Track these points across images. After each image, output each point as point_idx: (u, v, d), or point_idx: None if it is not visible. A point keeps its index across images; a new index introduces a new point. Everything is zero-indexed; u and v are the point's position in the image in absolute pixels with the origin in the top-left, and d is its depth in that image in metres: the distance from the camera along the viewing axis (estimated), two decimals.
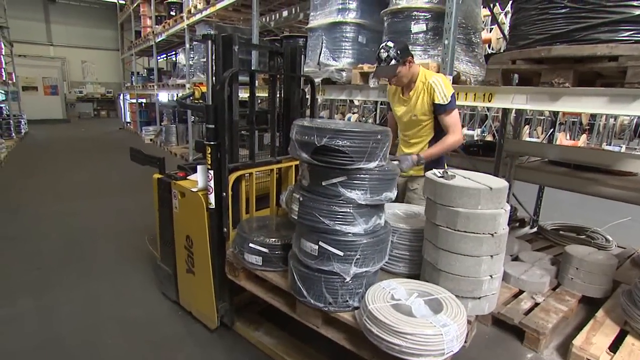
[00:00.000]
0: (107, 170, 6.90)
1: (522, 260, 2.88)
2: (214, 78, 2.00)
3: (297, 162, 2.36)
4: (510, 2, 2.45)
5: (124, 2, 13.10)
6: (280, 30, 6.55)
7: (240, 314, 2.28)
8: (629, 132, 8.99)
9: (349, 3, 3.29)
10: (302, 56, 2.37)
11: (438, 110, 2.21)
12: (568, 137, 8.18)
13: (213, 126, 1.93)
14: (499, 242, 1.40)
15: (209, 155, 1.94)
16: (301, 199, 1.50)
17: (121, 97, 14.70)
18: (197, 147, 2.71)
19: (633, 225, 4.13)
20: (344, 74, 3.24)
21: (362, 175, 1.41)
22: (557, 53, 1.94)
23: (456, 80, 2.60)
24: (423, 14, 2.77)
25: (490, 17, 6.65)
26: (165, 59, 13.32)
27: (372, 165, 1.41)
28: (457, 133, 2.22)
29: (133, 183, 5.82)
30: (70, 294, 2.71)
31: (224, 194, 1.97)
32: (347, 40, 3.31)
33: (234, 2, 5.15)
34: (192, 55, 6.87)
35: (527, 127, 7.88)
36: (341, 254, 1.40)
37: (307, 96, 2.54)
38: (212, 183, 1.97)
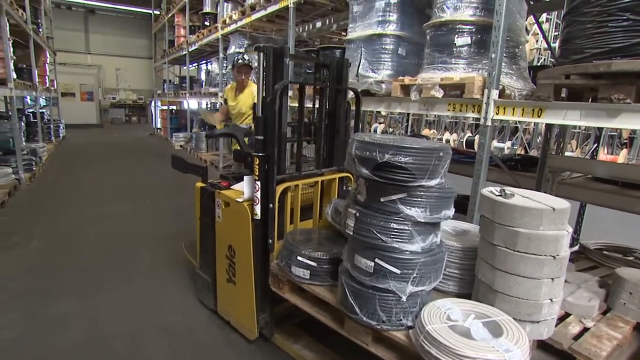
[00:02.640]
0: (141, 174, 7.11)
1: (567, 281, 2.75)
2: (264, 89, 2.01)
3: (341, 175, 2.36)
4: (553, 12, 2.38)
5: (159, 13, 13.57)
6: (312, 41, 6.61)
7: (279, 326, 2.28)
8: None
9: (389, 15, 3.29)
10: (348, 69, 2.39)
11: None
12: (606, 151, 7.88)
13: (262, 137, 1.94)
14: (561, 264, 1.35)
15: (257, 167, 1.95)
16: (357, 214, 1.48)
17: (152, 103, 15.16)
18: (235, 157, 2.73)
19: None
20: (383, 85, 3.23)
21: (422, 193, 1.39)
22: (618, 68, 1.86)
23: (501, 94, 2.55)
24: (468, 27, 2.74)
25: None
26: (196, 67, 13.68)
27: (433, 182, 1.38)
28: None
29: (166, 188, 5.96)
30: (110, 296, 2.78)
31: (271, 205, 1.97)
32: (386, 52, 3.30)
33: (268, 14, 5.25)
34: (225, 65, 7.02)
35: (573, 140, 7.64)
36: (398, 271, 1.38)
37: (352, 108, 2.55)
38: (258, 194, 1.98)
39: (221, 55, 7.11)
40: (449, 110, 2.70)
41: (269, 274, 2.07)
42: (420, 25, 3.03)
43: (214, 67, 8.70)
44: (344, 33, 4.93)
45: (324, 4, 4.92)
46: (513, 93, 2.69)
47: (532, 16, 5.07)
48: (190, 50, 9.08)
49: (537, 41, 7.11)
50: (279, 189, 2.00)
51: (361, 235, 1.47)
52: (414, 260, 1.39)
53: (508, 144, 7.72)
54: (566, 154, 7.06)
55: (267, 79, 1.99)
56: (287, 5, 4.58)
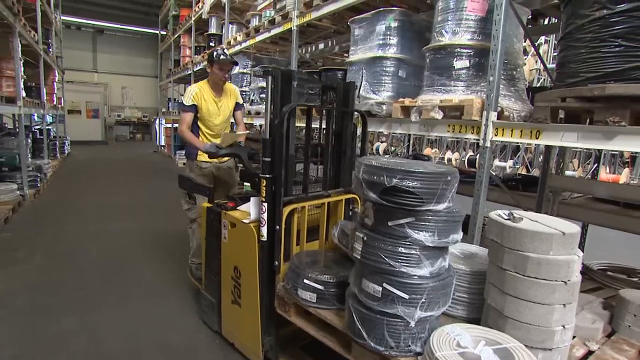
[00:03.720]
0: (144, 192, 7.15)
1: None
2: (271, 112, 2.06)
3: (347, 196, 2.38)
4: (552, 35, 2.44)
5: (165, 34, 13.87)
6: (315, 62, 6.73)
7: (284, 349, 2.25)
8: None
9: (389, 38, 3.38)
10: (355, 91, 2.47)
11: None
12: (608, 170, 7.90)
13: (269, 159, 1.97)
14: (572, 290, 1.35)
15: (264, 188, 1.98)
16: (365, 238, 1.48)
17: (157, 121, 15.32)
18: (242, 177, 2.76)
19: None
20: (384, 107, 3.28)
21: (430, 217, 1.39)
22: (612, 92, 1.90)
23: (500, 116, 2.59)
24: (466, 50, 2.80)
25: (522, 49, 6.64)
26: None
27: (441, 206, 1.39)
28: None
29: (169, 206, 5.98)
30: (111, 315, 2.78)
31: (277, 227, 1.98)
32: (387, 74, 3.37)
33: (272, 36, 5.37)
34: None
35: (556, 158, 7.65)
36: (406, 296, 1.38)
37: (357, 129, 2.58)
38: (265, 215, 1.99)
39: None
40: (448, 131, 2.74)
41: (274, 296, 2.06)
42: (420, 49, 3.10)
43: None
44: (346, 54, 5.03)
45: (327, 27, 5.04)
46: (512, 115, 2.74)
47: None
48: (195, 69, 9.23)
49: (536, 61, 7.22)
50: (286, 210, 2.01)
51: (369, 259, 1.47)
52: (423, 285, 1.38)
53: (510, 162, 7.73)
54: (567, 173, 7.09)
55: (275, 101, 2.03)
56: (291, 28, 4.70)
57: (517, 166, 7.20)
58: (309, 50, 6.45)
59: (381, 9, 3.44)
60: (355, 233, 1.56)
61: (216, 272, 2.44)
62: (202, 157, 3.13)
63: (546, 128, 2.24)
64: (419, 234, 1.38)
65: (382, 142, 11.09)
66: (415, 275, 1.40)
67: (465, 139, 2.88)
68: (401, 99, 3.16)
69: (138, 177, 8.69)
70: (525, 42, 4.27)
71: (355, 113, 2.50)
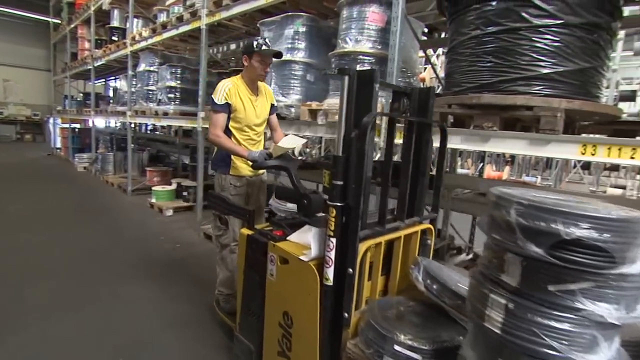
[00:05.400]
0: (46, 199, 6.30)
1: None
2: (344, 123, 1.61)
3: (422, 227, 2.01)
4: (446, 48, 2.72)
5: (59, 22, 12.43)
6: (227, 62, 6.61)
7: None
8: (542, 164, 10.14)
9: (297, 43, 3.47)
10: (434, 99, 2.07)
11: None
12: (494, 168, 8.99)
13: (341, 183, 1.55)
14: None
15: (333, 219, 1.56)
16: (511, 306, 1.07)
17: (50, 120, 13.68)
18: (280, 195, 2.35)
19: None
20: (292, 109, 3.36)
21: (616, 282, 0.98)
22: (485, 101, 2.19)
23: (399, 120, 2.81)
24: (367, 57, 2.99)
25: (424, 58, 7.28)
26: (103, 83, 12.70)
27: (636, 268, 0.98)
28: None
29: (78, 213, 5.43)
30: (25, 343, 2.42)
31: (350, 270, 1.55)
32: (296, 77, 3.46)
33: (180, 33, 5.16)
34: (134, 82, 6.68)
35: (459, 159, 8.56)
36: None
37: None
38: (332, 254, 1.57)
39: (130, 72, 6.75)
40: None
41: (339, 354, 1.64)
42: (327, 54, 3.24)
43: (122, 84, 8.20)
44: None
45: (238, 27, 4.99)
46: None
47: (431, 49, 5.69)
48: (95, 65, 8.45)
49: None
50: (362, 247, 1.58)
51: (517, 337, 1.05)
52: None
53: None
54: (461, 171, 7.93)
55: (350, 109, 1.61)
56: (200, 26, 4.56)
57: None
58: (221, 50, 6.32)
59: (290, 13, 3.51)
60: (491, 296, 1.14)
61: (257, 315, 1.99)
62: (238, 170, 2.63)
63: (435, 132, 2.49)
64: (598, 306, 0.98)
65: None
66: None
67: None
68: (309, 102, 3.27)
69: (34, 184, 7.62)
70: (424, 52, 4.69)
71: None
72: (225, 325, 2.59)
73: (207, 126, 4.68)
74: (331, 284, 1.58)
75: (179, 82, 5.60)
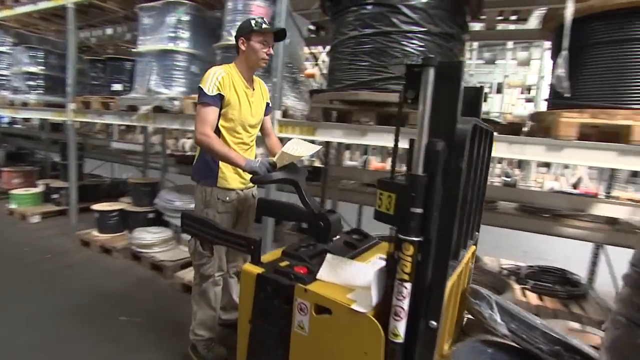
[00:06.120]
0: None
1: None
2: (426, 131, 1.19)
3: (472, 250, 1.75)
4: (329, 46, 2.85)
5: None
6: (103, 49, 5.96)
7: None
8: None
9: (181, 32, 3.29)
10: (485, 98, 1.71)
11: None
12: (380, 160, 9.76)
13: (421, 211, 1.18)
14: None
15: (409, 258, 1.18)
16: None
17: None
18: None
19: None
20: (176, 102, 3.18)
21: None
22: (363, 97, 2.37)
23: (285, 114, 2.88)
24: None
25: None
26: None
27: None
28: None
29: None
30: None
31: (434, 322, 1.20)
32: (179, 68, 3.28)
33: (40, 10, 4.47)
34: None
35: (348, 151, 9.09)
36: None
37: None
38: (405, 303, 1.20)
39: None
40: None
41: None
42: (212, 45, 3.14)
43: None
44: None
45: (114, 10, 4.52)
46: (295, 113, 3.08)
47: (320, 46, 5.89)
48: None
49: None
50: (446, 291, 1.24)
51: None
52: None
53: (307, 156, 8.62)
54: (349, 163, 8.47)
55: (436, 112, 1.20)
56: (65, 5, 4.01)
57: (313, 159, 8.07)
58: (98, 34, 5.65)
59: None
60: None
61: None
62: (227, 181, 2.12)
63: (320, 126, 2.61)
64: None
65: (188, 138, 10.71)
66: None
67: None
68: (193, 95, 3.13)
69: None
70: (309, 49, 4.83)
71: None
72: None
73: (80, 119, 4.17)
74: (402, 340, 1.22)
75: (41, 67, 4.85)
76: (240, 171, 2.06)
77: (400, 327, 1.21)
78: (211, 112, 1.99)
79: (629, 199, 4.73)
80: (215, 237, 1.72)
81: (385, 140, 2.40)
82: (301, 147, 1.84)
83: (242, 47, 2.08)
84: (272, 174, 1.79)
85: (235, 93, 2.05)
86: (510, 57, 8.02)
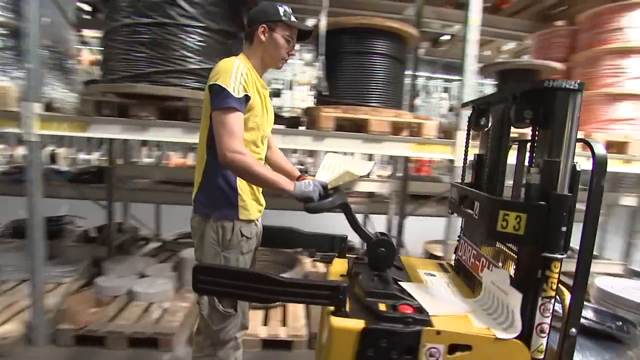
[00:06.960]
0: None
1: (148, 275, 3.09)
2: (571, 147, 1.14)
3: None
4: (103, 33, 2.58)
5: None
6: None
7: None
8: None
9: None
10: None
11: None
12: (181, 155, 9.26)
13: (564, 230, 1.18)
14: None
15: (556, 275, 1.19)
16: None
17: None
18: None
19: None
20: None
21: None
22: (140, 91, 2.25)
23: (50, 108, 2.45)
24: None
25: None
26: None
27: None
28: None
29: None
30: None
31: (574, 330, 1.23)
32: None
33: None
34: None
35: (145, 148, 8.29)
36: None
37: None
38: (549, 319, 1.21)
39: None
40: None
41: None
42: None
43: None
44: None
45: None
46: (64, 107, 2.67)
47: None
48: None
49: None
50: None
51: None
52: None
53: (97, 155, 7.55)
54: (147, 160, 7.78)
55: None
56: None
57: (106, 157, 7.10)
58: None
59: None
60: None
61: None
62: (249, 211, 1.59)
63: (93, 121, 2.32)
64: None
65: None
66: None
67: (6, 132, 2.52)
68: None
69: None
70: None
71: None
72: None
73: None
74: (543, 356, 1.25)
75: None
76: (258, 194, 1.66)
77: (545, 343, 1.27)
78: (239, 121, 1.49)
79: (382, 176, 6.00)
80: (271, 293, 1.27)
81: (168, 135, 2.35)
82: (359, 166, 1.66)
83: (262, 37, 1.58)
84: (330, 200, 1.52)
85: (258, 95, 1.60)
86: (297, 57, 8.88)
